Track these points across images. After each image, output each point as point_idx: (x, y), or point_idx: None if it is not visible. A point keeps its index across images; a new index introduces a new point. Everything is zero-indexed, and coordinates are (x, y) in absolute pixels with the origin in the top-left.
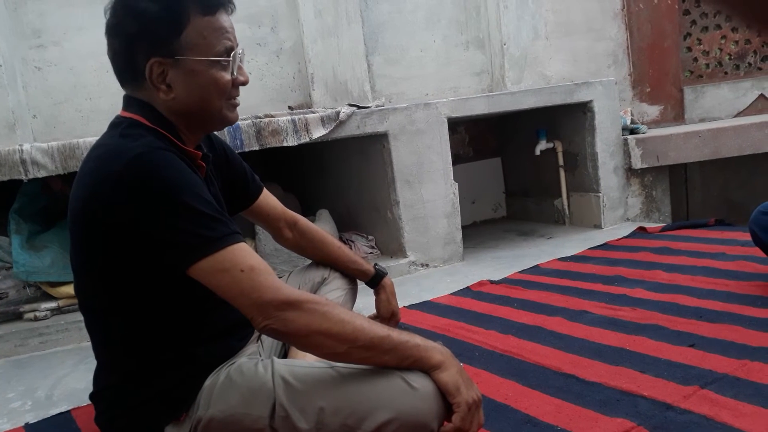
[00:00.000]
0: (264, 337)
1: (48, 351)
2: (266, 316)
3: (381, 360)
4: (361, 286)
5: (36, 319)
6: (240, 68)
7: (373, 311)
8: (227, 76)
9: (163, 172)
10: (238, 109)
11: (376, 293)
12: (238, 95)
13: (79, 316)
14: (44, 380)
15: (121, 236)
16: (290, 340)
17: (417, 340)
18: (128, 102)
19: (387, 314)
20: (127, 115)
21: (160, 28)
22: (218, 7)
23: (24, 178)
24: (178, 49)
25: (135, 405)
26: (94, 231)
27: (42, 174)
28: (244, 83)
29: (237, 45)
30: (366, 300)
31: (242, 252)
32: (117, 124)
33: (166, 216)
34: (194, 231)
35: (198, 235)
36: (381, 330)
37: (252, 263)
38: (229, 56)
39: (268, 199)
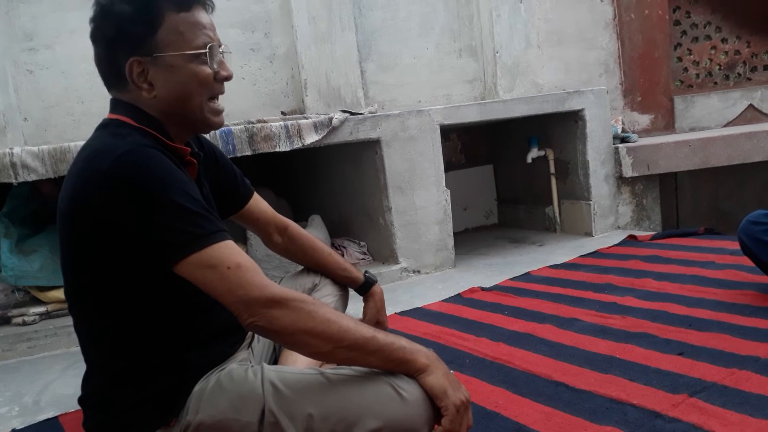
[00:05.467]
0: (255, 343)
1: (36, 356)
2: (252, 313)
3: (366, 361)
4: (352, 292)
5: (24, 323)
6: (222, 63)
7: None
8: (207, 70)
9: (151, 169)
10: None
11: (365, 301)
12: (222, 92)
13: (67, 321)
14: (32, 385)
15: (108, 233)
16: (275, 337)
17: (402, 342)
18: (114, 105)
19: (372, 323)
20: (114, 116)
21: (135, 27)
22: (193, 3)
23: (14, 181)
24: (155, 47)
25: (124, 409)
26: (82, 229)
27: (32, 177)
28: (227, 78)
29: (219, 42)
30: (358, 306)
31: (229, 249)
32: (104, 125)
33: (153, 213)
34: (181, 228)
35: (185, 232)
36: (367, 331)
37: (239, 261)
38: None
39: (258, 203)
